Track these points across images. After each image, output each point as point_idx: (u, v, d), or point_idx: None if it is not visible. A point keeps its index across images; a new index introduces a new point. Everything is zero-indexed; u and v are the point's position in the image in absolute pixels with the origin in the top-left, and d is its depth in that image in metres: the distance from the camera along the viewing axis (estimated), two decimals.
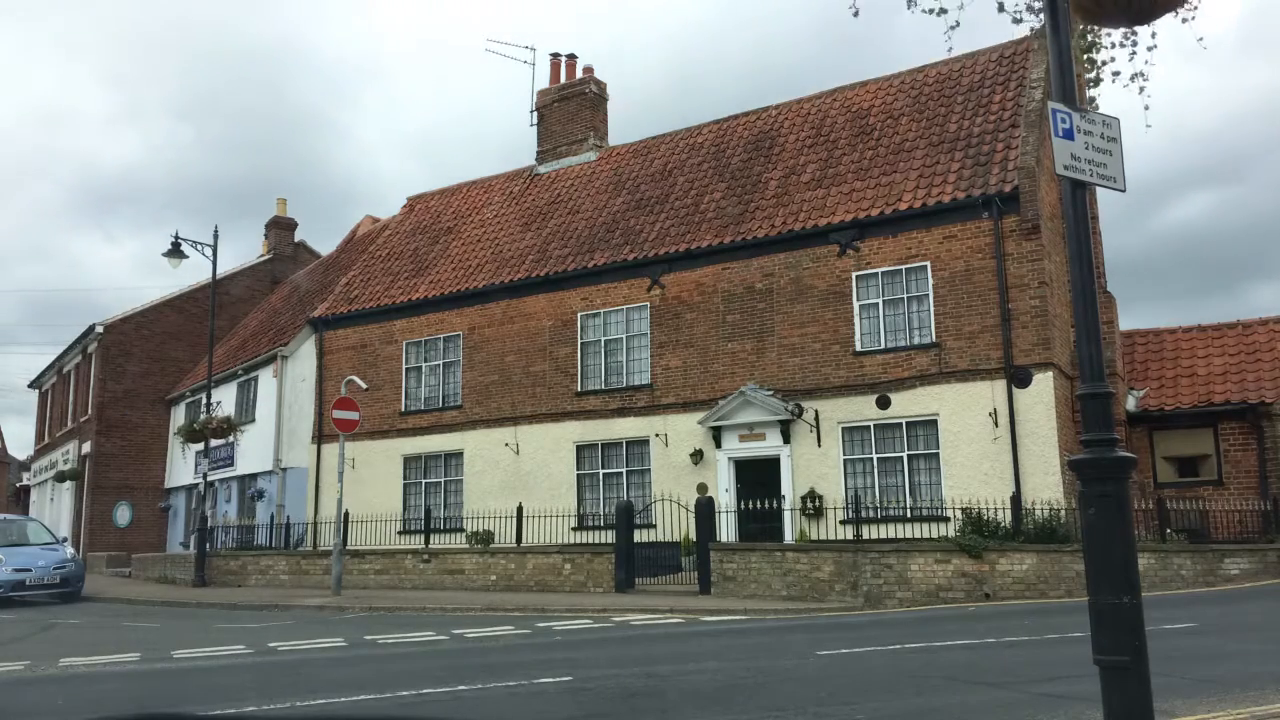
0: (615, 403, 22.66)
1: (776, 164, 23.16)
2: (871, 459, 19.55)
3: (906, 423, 19.25)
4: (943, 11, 4.83)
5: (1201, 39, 4.58)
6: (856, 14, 4.94)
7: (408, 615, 16.15)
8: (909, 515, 18.69)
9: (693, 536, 18.25)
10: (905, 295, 19.64)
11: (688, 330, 21.94)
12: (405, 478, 25.80)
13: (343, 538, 20.41)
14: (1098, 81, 4.81)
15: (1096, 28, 4.71)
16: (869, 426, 19.62)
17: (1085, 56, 4.79)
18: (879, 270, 19.94)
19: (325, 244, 51.38)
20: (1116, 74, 4.78)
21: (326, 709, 7.25)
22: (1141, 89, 4.80)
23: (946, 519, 17.88)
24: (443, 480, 25.27)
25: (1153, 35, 4.63)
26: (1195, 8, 4.49)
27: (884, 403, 19.39)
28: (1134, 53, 4.67)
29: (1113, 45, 4.74)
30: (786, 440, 20.21)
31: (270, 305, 36.50)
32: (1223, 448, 20.88)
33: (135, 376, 35.03)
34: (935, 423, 18.94)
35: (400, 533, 24.23)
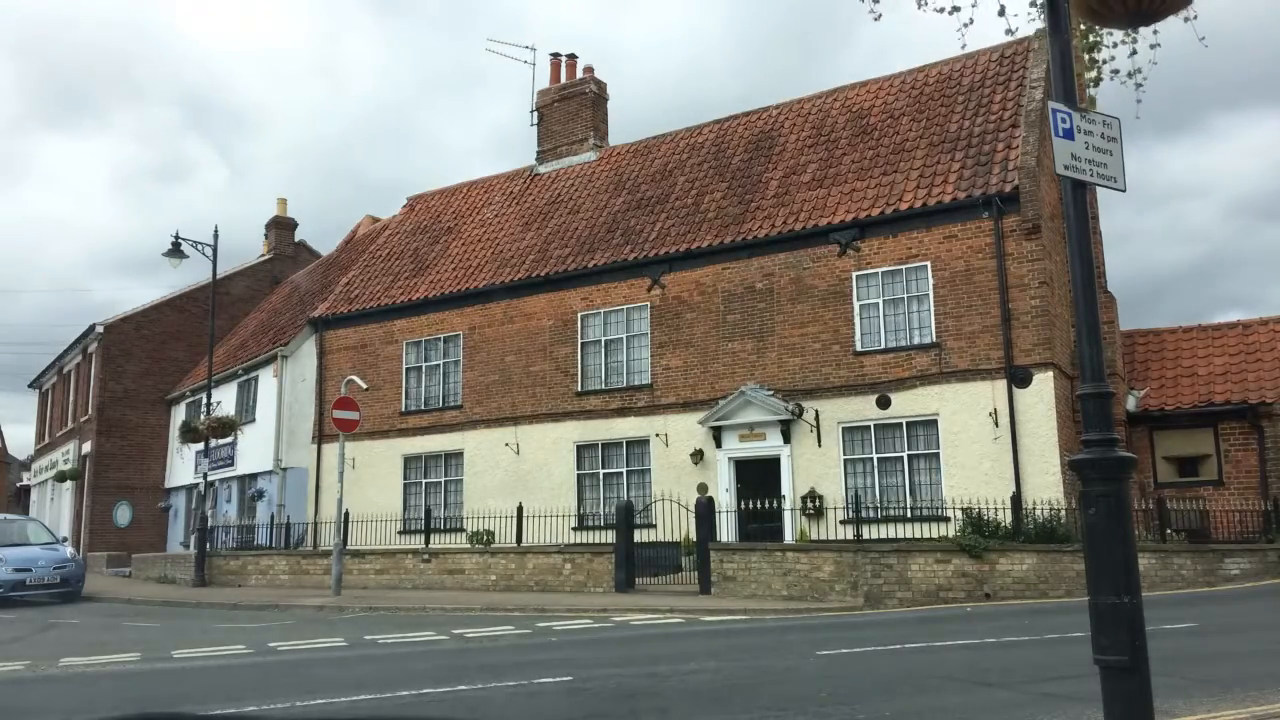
0: (615, 403, 22.66)
1: (777, 164, 23.15)
2: (872, 459, 19.54)
3: (907, 423, 19.25)
4: (955, 10, 4.83)
5: (1204, 38, 4.57)
6: (878, 18, 4.93)
7: (408, 615, 16.14)
8: (909, 515, 18.68)
9: (693, 536, 18.23)
10: (905, 295, 19.64)
11: (688, 330, 21.93)
12: (405, 478, 25.81)
13: (343, 538, 20.41)
14: (1098, 81, 4.81)
15: (1099, 27, 4.71)
16: (869, 426, 19.61)
17: (1088, 56, 4.79)
18: (879, 270, 19.93)
19: None
20: (1116, 72, 4.79)
21: (326, 709, 7.25)
22: (1139, 85, 4.82)
23: (947, 519, 17.87)
24: (443, 480, 25.26)
25: (1154, 32, 4.63)
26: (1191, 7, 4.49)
27: (884, 403, 19.39)
28: (1134, 51, 4.68)
29: (1114, 44, 4.74)
30: (787, 440, 20.21)
31: (270, 305, 36.47)
32: (1223, 448, 20.87)
33: (135, 376, 35.01)
34: (935, 423, 18.94)
35: (400, 533, 24.22)
